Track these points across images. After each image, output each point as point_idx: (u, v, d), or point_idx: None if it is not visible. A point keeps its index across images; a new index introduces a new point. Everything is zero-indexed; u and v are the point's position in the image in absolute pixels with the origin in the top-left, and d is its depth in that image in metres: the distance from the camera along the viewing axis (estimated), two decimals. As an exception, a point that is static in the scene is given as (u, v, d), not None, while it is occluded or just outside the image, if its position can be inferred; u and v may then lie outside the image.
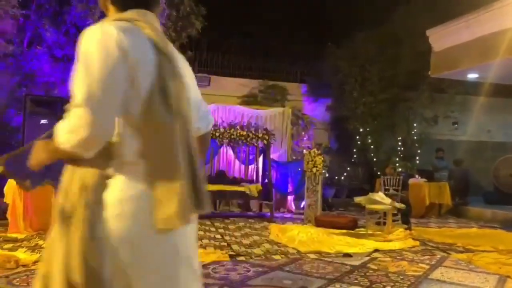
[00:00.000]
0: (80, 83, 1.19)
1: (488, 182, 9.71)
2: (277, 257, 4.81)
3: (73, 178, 1.27)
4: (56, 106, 6.25)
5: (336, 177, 10.53)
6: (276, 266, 4.36)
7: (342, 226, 6.75)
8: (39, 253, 4.60)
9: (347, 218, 7.08)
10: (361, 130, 10.68)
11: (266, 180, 8.07)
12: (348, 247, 5.40)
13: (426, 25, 9.05)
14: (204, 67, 11.04)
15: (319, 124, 11.28)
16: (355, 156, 10.93)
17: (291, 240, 5.69)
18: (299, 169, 8.05)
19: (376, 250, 5.25)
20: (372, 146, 10.73)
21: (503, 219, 7.96)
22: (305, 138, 10.37)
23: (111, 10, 1.40)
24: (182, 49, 8.58)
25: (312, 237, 6.01)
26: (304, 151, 8.13)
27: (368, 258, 4.88)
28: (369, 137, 10.69)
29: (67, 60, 7.35)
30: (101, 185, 1.24)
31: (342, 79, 10.88)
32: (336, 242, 5.72)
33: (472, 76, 9.08)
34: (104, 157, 1.24)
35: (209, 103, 8.50)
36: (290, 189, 8.48)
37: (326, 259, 4.78)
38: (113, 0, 1.39)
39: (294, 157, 9.19)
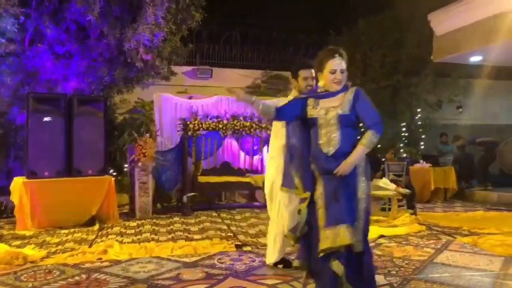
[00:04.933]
0: None
1: (494, 165, 9.67)
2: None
3: None
4: (59, 103, 6.29)
5: (341, 165, 10.52)
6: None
7: (348, 214, 6.76)
8: (47, 249, 4.67)
9: (352, 205, 7.09)
10: (364, 117, 10.63)
11: (270, 170, 8.08)
12: (354, 234, 5.41)
13: (428, 9, 8.97)
14: (206, 59, 11.03)
15: (323, 113, 11.24)
16: (359, 143, 10.90)
17: (296, 229, 5.72)
18: (304, 158, 8.05)
19: (381, 236, 5.25)
20: (376, 133, 10.70)
21: (509, 201, 7.96)
22: (308, 127, 10.35)
23: None
24: (183, 41, 8.58)
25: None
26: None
27: (373, 244, 4.89)
28: (372, 123, 10.66)
29: (69, 56, 7.38)
30: None
31: (345, 67, 10.79)
32: (341, 229, 5.73)
33: (474, 59, 9.00)
34: None
35: (211, 95, 8.58)
36: (295, 178, 8.49)
37: (331, 246, 4.80)
38: None
39: (298, 146, 9.19)
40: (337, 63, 2.79)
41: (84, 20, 6.96)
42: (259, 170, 8.27)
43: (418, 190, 8.00)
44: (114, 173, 7.80)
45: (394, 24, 10.56)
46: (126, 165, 7.90)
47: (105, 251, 4.49)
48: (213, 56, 11.05)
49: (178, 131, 7.72)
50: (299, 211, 2.95)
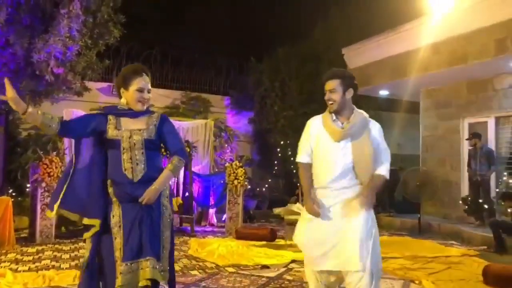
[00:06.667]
0: None
1: (398, 192, 10.35)
2: (194, 272, 4.72)
3: None
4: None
5: (258, 189, 10.65)
6: (192, 282, 4.26)
7: (262, 238, 6.79)
8: None
9: (266, 229, 7.14)
10: (281, 142, 10.93)
11: (187, 194, 7.93)
12: (267, 259, 5.44)
13: (343, 43, 9.56)
14: (124, 76, 10.65)
15: (242, 137, 11.38)
16: (276, 168, 11.14)
17: (210, 254, 5.62)
18: (222, 181, 7.99)
19: (293, 261, 5.33)
20: (292, 158, 11.01)
21: (411, 227, 8.52)
22: (228, 151, 10.39)
23: None
24: (100, 57, 8.24)
25: (232, 250, 5.98)
26: (226, 163, 8.12)
27: (284, 269, 4.95)
28: (289, 149, 10.96)
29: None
30: None
31: (264, 93, 11.10)
32: (255, 254, 5.74)
33: (383, 92, 9.70)
34: None
35: (127, 113, 8.28)
36: (212, 202, 8.40)
37: (244, 272, 4.77)
38: None
39: (217, 170, 9.15)
40: (146, 82, 2.66)
41: (-13, 24, 6.42)
42: (174, 193, 8.07)
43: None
44: (14, 194, 7.15)
45: (311, 55, 11.10)
46: (28, 185, 7.28)
47: (-6, 281, 4.05)
48: (132, 74, 10.72)
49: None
50: (84, 240, 2.65)
